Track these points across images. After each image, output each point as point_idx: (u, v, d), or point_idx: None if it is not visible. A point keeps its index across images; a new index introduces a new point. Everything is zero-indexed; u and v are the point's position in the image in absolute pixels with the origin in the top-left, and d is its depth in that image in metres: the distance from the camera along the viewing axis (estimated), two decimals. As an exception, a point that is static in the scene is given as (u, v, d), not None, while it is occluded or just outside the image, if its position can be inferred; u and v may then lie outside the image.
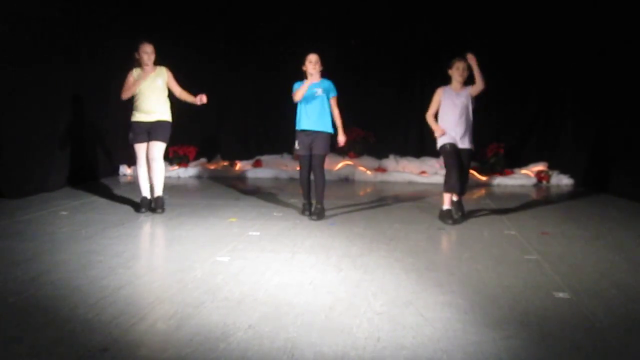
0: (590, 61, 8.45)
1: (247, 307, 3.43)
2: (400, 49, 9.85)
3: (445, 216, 6.00)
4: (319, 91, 6.12)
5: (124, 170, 9.40)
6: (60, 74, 7.57)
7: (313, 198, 6.21)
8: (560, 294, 3.72)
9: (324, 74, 6.26)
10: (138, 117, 6.18)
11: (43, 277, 3.94)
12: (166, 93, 6.25)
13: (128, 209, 6.43)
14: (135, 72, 6.19)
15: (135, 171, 9.26)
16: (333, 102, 6.20)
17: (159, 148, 6.19)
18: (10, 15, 6.66)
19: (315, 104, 6.12)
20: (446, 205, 6.05)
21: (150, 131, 6.17)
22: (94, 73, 8.36)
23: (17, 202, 6.60)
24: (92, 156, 8.48)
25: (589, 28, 8.45)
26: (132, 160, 9.34)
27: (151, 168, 6.23)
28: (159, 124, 6.17)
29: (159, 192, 6.27)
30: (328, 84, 6.23)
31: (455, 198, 6.10)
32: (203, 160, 9.97)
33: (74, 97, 7.93)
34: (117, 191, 7.67)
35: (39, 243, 4.86)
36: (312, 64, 6.11)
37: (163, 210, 6.22)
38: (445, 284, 3.92)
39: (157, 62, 6.25)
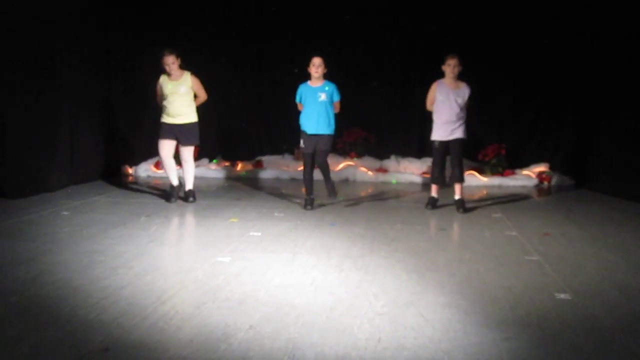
0: (592, 62, 8.44)
1: (248, 308, 3.43)
2: (401, 50, 9.84)
3: (427, 202, 6.81)
4: (323, 96, 6.41)
5: (126, 170, 9.40)
6: (61, 74, 7.57)
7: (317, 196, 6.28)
8: (562, 295, 3.72)
9: (327, 76, 6.45)
10: (166, 119, 6.72)
11: (44, 277, 3.95)
12: (191, 96, 6.75)
13: (129, 209, 6.43)
14: (161, 79, 6.70)
15: (136, 171, 9.32)
16: (336, 105, 6.53)
17: (189, 151, 6.83)
18: (9, 17, 6.66)
19: (317, 109, 6.42)
20: (432, 193, 6.80)
21: (179, 135, 6.71)
22: (95, 73, 8.37)
23: (18, 202, 6.60)
24: (94, 156, 8.48)
25: (590, 28, 8.44)
26: (133, 161, 9.43)
27: (183, 168, 6.92)
28: (186, 127, 6.70)
29: (190, 186, 6.90)
30: (332, 88, 6.49)
31: (457, 196, 6.61)
32: (204, 160, 9.97)
33: (76, 97, 7.92)
34: (119, 191, 7.67)
35: (40, 243, 4.86)
36: (314, 67, 6.39)
37: (194, 199, 6.84)
38: (447, 284, 3.92)
39: (183, 67, 6.74)
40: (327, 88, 6.44)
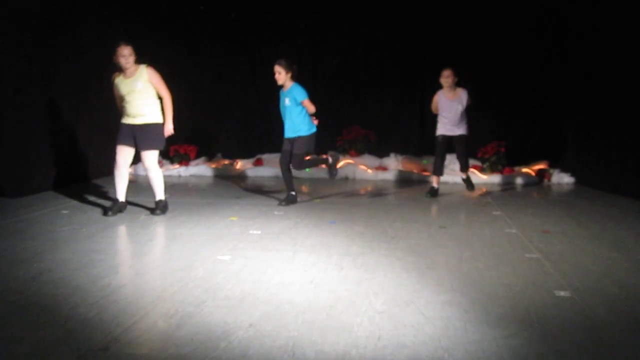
0: (591, 59, 8.43)
1: (248, 306, 3.43)
2: (401, 48, 9.84)
3: (428, 190, 7.56)
4: (287, 100, 6.59)
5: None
6: (62, 73, 7.57)
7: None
8: (561, 293, 3.72)
9: (295, 78, 6.62)
10: (125, 119, 6.00)
11: (44, 276, 3.95)
12: (152, 93, 5.95)
13: (129, 207, 6.41)
14: (116, 79, 5.96)
15: (135, 170, 9.30)
16: (306, 104, 6.55)
17: (150, 157, 5.99)
18: (12, 14, 6.66)
19: (286, 114, 6.65)
20: (432, 183, 7.56)
21: (138, 137, 5.94)
22: (96, 71, 8.36)
23: (18, 200, 6.61)
24: (93, 155, 8.48)
25: (590, 27, 8.43)
26: (133, 160, 9.40)
27: (148, 177, 6.12)
28: (146, 129, 5.92)
29: (159, 196, 6.14)
30: (295, 90, 6.56)
31: (464, 176, 7.63)
32: (204, 158, 9.97)
33: (75, 96, 7.92)
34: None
35: (40, 242, 4.86)
36: (275, 74, 6.56)
37: (163, 212, 6.10)
38: (446, 282, 3.92)
39: (141, 61, 5.97)
40: (290, 92, 6.55)
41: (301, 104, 6.51)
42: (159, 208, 6.13)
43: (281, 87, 6.67)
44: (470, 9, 9.28)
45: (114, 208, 6.05)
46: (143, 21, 9.41)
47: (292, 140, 6.62)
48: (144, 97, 5.90)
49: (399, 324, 3.19)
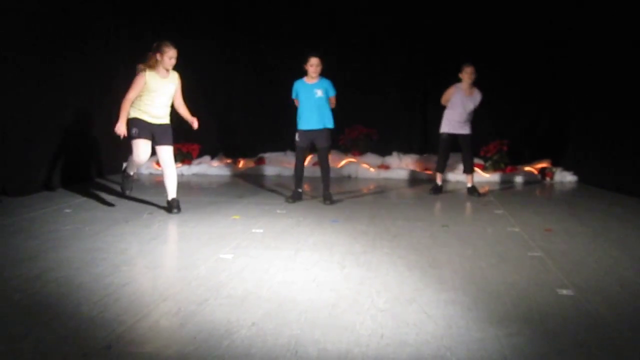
0: (593, 57, 8.42)
1: (250, 305, 3.44)
2: (403, 47, 9.83)
3: (431, 188, 7.64)
4: (319, 92, 6.59)
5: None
6: (67, 72, 7.57)
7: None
8: (564, 291, 3.72)
9: (323, 72, 6.63)
10: (143, 116, 5.94)
11: (47, 275, 3.96)
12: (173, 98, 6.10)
13: (132, 206, 6.43)
14: (148, 74, 5.86)
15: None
16: (332, 100, 6.69)
17: (170, 153, 6.11)
18: (18, 13, 6.67)
19: (315, 105, 6.59)
20: (436, 181, 7.63)
21: (155, 134, 6.00)
22: (98, 70, 8.37)
23: (20, 199, 6.61)
24: (96, 154, 8.49)
25: (591, 25, 8.42)
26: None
27: (165, 174, 6.14)
28: (164, 128, 6.03)
29: (173, 194, 6.14)
30: (327, 83, 6.65)
31: (469, 184, 7.49)
32: (206, 157, 9.97)
33: (78, 94, 7.92)
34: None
35: (42, 241, 4.87)
36: (313, 67, 6.56)
37: (179, 210, 6.09)
38: (449, 281, 3.92)
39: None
40: (323, 84, 6.60)
41: (330, 98, 6.64)
42: (175, 207, 6.11)
43: (297, 79, 6.71)
44: (474, 7, 9.28)
45: (127, 184, 6.49)
46: (145, 21, 9.41)
47: (316, 133, 6.64)
48: (169, 100, 6.06)
49: (401, 322, 3.19)
